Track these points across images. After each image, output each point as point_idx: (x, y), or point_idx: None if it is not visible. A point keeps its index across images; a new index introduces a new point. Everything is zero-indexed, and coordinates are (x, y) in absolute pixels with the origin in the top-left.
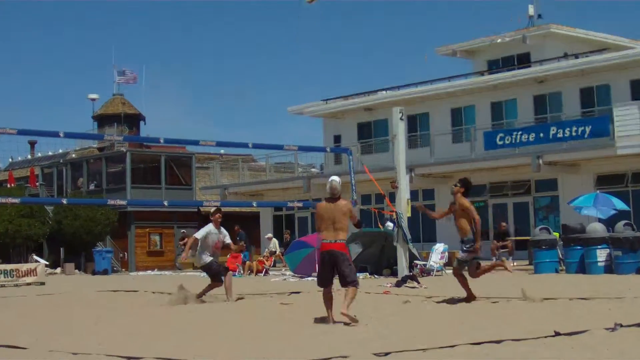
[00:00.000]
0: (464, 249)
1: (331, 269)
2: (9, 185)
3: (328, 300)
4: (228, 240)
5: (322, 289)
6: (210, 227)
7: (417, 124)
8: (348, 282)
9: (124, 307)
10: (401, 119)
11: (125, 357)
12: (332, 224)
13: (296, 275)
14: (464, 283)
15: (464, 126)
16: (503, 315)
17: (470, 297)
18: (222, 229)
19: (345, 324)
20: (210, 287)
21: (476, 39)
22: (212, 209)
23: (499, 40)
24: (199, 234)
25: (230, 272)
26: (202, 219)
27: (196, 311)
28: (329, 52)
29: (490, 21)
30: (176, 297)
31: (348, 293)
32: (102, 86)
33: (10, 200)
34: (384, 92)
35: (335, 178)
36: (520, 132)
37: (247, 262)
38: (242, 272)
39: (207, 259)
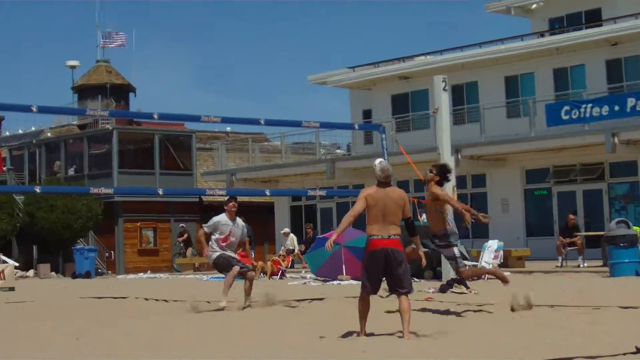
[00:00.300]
0: (438, 244)
1: (382, 272)
2: None
3: (366, 309)
4: (245, 233)
5: (364, 291)
6: (221, 217)
7: (463, 96)
8: (403, 290)
9: (111, 318)
10: (444, 89)
11: None
12: (382, 216)
13: (318, 278)
14: (489, 272)
15: (520, 98)
16: (571, 325)
17: (504, 279)
18: (238, 220)
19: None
20: (228, 284)
21: None
22: (227, 198)
23: None
24: (206, 226)
25: (252, 272)
26: (205, 211)
27: (195, 323)
28: (357, 10)
29: None
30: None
31: (404, 306)
32: (84, 51)
33: None
34: (423, 57)
35: (383, 160)
36: (590, 105)
37: (260, 263)
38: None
39: (214, 254)
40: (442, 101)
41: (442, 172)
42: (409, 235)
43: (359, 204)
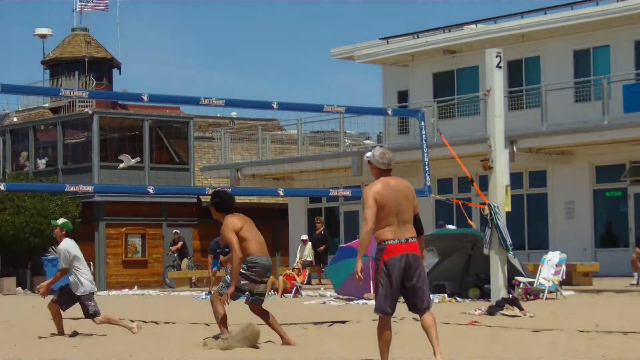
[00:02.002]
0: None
1: (402, 285)
2: None
3: (389, 339)
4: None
5: (383, 315)
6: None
7: (522, 74)
8: (425, 305)
9: (90, 344)
10: (498, 66)
11: None
12: (395, 215)
13: (340, 296)
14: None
15: (592, 77)
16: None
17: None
18: (62, 243)
19: None
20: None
21: None
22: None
23: None
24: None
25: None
26: (204, 214)
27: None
28: None
29: None
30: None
31: (428, 321)
32: (57, 17)
33: None
34: (472, 26)
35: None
36: None
37: (271, 278)
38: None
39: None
40: (496, 81)
41: (217, 200)
42: (416, 233)
43: (371, 205)
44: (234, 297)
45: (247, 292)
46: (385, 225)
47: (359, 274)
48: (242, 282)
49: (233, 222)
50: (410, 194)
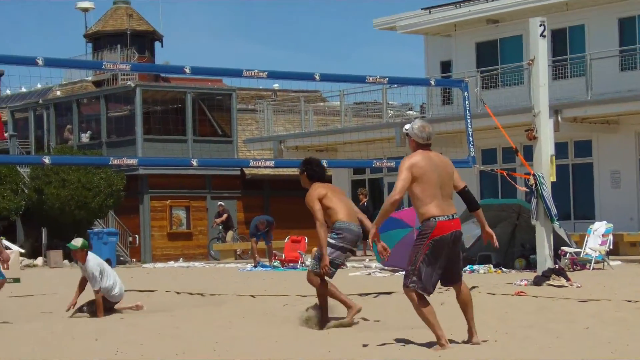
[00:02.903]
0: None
1: (448, 264)
2: None
3: (432, 311)
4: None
5: (427, 295)
6: None
7: (566, 43)
8: (460, 277)
9: (136, 315)
10: (542, 34)
11: None
12: (439, 189)
13: (386, 267)
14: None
15: (638, 45)
16: None
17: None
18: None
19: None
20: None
21: None
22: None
23: None
24: None
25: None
26: (248, 186)
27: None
28: None
29: None
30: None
31: (465, 295)
32: None
33: None
34: None
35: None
36: None
37: (315, 249)
38: (307, 262)
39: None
40: (540, 50)
41: (307, 168)
42: (470, 210)
43: (403, 178)
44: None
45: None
46: (430, 200)
47: (379, 245)
48: (334, 254)
49: (317, 190)
50: (451, 169)
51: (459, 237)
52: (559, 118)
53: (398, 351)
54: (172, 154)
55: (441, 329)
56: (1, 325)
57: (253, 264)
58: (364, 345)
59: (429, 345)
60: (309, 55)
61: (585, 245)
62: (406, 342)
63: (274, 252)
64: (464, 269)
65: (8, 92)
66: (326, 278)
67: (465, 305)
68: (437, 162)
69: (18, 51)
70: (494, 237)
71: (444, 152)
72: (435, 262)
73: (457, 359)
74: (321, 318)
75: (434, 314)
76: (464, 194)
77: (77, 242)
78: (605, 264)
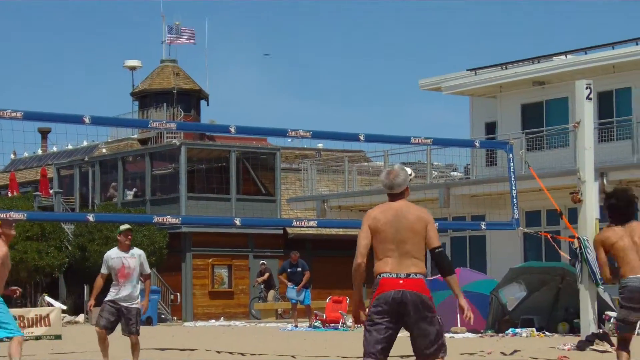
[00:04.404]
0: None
1: (394, 328)
2: (10, 193)
3: None
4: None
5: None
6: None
7: (612, 105)
8: (429, 352)
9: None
10: (589, 97)
11: None
12: (395, 245)
13: None
14: None
15: None
16: None
17: None
18: (135, 250)
19: None
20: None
21: None
22: (122, 227)
23: None
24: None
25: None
26: (290, 246)
27: None
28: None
29: None
30: None
31: None
32: (146, 49)
33: (13, 215)
34: (563, 57)
35: (407, 170)
36: None
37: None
38: (348, 322)
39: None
40: (586, 112)
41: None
42: (442, 275)
43: (362, 237)
44: (622, 328)
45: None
46: (382, 255)
47: (359, 320)
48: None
49: (606, 236)
50: (419, 223)
51: (415, 301)
52: (605, 181)
53: None
54: (216, 213)
55: None
56: None
57: (294, 324)
58: None
59: None
60: (354, 113)
61: None
62: None
63: (315, 312)
64: (507, 331)
65: (54, 149)
66: None
67: None
68: (399, 214)
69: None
70: (466, 309)
71: (488, 214)
72: (377, 324)
73: None
74: None
75: None
76: (434, 255)
77: (126, 225)
78: None
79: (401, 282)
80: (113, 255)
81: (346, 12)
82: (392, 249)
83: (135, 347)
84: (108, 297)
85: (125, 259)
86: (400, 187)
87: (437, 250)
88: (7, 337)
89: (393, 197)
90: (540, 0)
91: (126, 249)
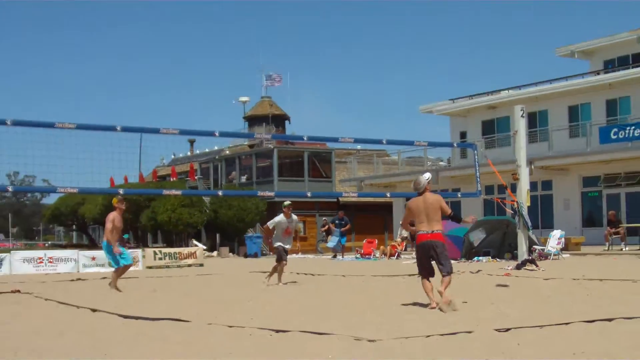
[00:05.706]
0: None
1: (429, 259)
2: (172, 179)
3: (429, 287)
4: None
5: (420, 277)
6: (280, 217)
7: (536, 121)
8: (445, 273)
9: (271, 288)
10: (522, 116)
11: (274, 330)
12: (425, 216)
13: None
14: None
15: (580, 122)
16: (614, 295)
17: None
18: (294, 216)
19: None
20: (274, 269)
21: (594, 39)
22: (285, 202)
23: (615, 41)
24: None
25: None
26: (340, 208)
27: (315, 291)
28: (456, 54)
29: (606, 22)
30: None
31: (444, 281)
32: (252, 90)
33: (174, 192)
34: (506, 91)
35: (425, 175)
36: (633, 127)
37: (382, 247)
38: (377, 255)
39: (276, 244)
40: (520, 125)
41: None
42: (453, 221)
43: (406, 212)
44: None
45: None
46: (418, 223)
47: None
48: None
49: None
50: (436, 203)
51: (437, 244)
52: (532, 167)
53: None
54: (295, 189)
55: (432, 295)
56: (194, 291)
57: (339, 256)
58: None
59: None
60: (379, 126)
61: (548, 244)
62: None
63: (356, 248)
64: (473, 259)
65: (198, 151)
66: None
67: (442, 281)
68: (425, 200)
69: (204, 127)
70: (471, 218)
71: (462, 188)
72: (421, 258)
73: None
74: None
75: (428, 287)
76: (450, 217)
77: (287, 201)
78: (560, 256)
79: (429, 235)
80: (282, 220)
81: (372, 62)
82: (423, 218)
83: (279, 271)
84: (279, 244)
85: (290, 223)
86: (421, 188)
87: (451, 214)
88: (125, 264)
89: (419, 193)
90: (493, 52)
91: (288, 216)
